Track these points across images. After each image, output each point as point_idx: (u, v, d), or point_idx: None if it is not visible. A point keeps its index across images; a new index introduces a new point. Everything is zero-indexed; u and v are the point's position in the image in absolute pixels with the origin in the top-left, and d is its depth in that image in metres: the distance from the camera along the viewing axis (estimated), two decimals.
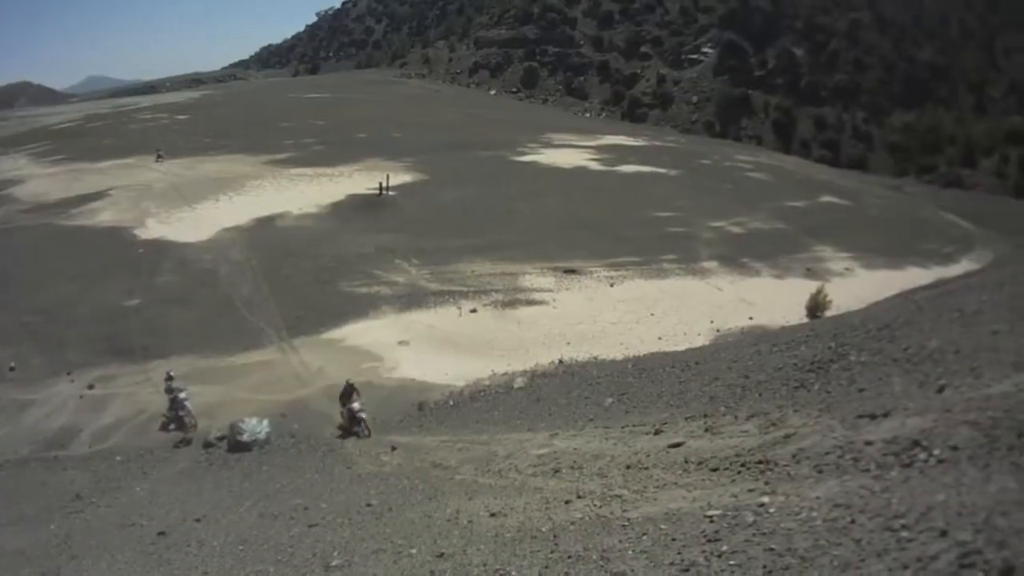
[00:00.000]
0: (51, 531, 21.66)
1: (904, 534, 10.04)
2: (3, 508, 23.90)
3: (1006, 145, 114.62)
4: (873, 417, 14.75)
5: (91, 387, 33.12)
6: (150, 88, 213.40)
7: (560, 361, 32.73)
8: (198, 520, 20.50)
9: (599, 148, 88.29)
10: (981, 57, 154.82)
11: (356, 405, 26.49)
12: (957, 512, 9.94)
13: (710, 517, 12.69)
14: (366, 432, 26.67)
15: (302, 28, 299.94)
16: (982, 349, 16.97)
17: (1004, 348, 16.41)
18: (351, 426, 27.09)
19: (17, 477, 26.72)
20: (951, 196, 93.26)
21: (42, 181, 70.97)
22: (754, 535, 11.63)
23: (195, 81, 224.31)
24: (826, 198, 70.30)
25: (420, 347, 35.91)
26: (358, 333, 37.76)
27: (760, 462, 14.65)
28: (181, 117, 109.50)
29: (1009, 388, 13.66)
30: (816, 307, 37.72)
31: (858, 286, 44.01)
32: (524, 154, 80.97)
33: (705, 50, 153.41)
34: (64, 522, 22.22)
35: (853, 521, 10.89)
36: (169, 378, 29.93)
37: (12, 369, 35.23)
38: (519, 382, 30.52)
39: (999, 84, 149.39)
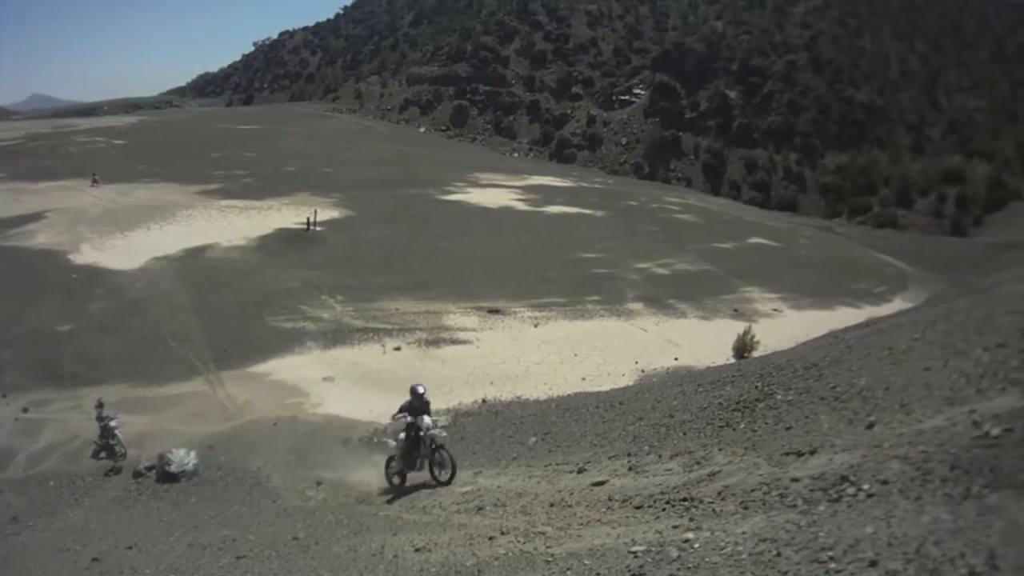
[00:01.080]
0: None
1: (832, 565, 10.25)
2: None
3: (944, 185, 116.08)
4: (800, 454, 15.09)
5: (25, 410, 33.15)
6: (91, 110, 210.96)
7: (484, 400, 32.86)
8: (130, 548, 20.59)
9: (526, 188, 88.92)
10: (921, 98, 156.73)
11: (428, 420, 22.57)
12: (887, 543, 10.27)
13: (634, 553, 12.80)
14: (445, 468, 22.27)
15: (239, 57, 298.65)
16: (913, 386, 17.12)
17: (936, 384, 16.53)
18: (432, 471, 22.43)
19: None
20: (884, 236, 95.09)
21: None
22: (679, 570, 11.79)
23: (133, 106, 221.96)
24: (755, 239, 71.31)
25: (345, 384, 35.95)
26: (284, 368, 37.78)
27: (685, 499, 14.85)
28: (118, 142, 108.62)
29: (941, 423, 14.02)
30: (743, 348, 37.98)
31: (786, 326, 44.56)
32: (451, 193, 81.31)
33: (637, 91, 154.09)
34: (3, 544, 22.39)
35: (779, 554, 11.08)
36: (100, 406, 29.86)
37: None
38: (443, 421, 29.40)
39: (939, 124, 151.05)
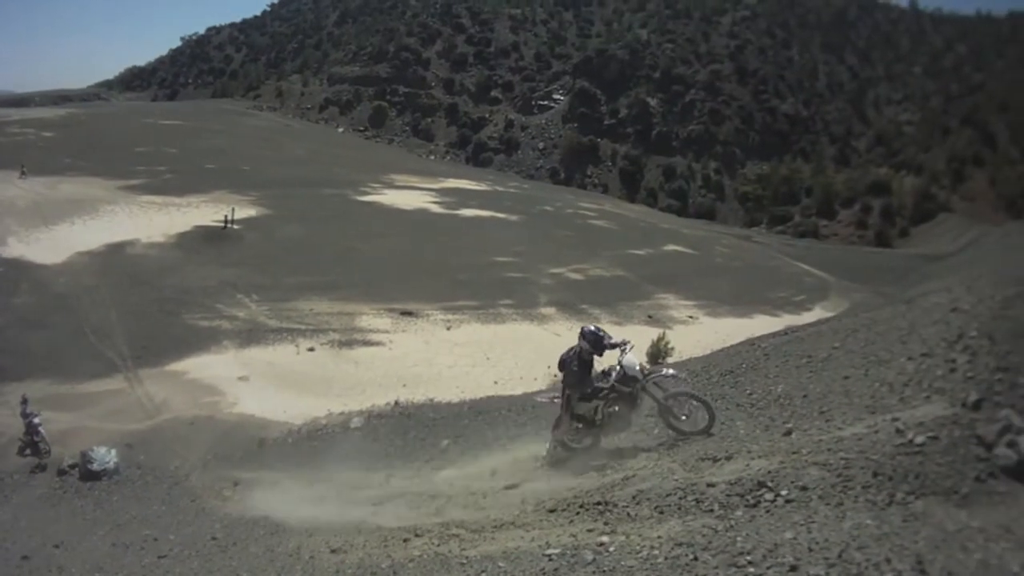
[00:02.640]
0: None
1: (751, 570, 10.40)
2: None
3: (869, 196, 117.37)
4: (716, 460, 14.86)
5: None
6: (21, 101, 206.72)
7: (396, 403, 32.42)
8: (56, 546, 20.76)
9: (442, 191, 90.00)
10: (848, 110, 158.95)
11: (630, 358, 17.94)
12: (808, 548, 10.45)
13: (549, 556, 12.73)
14: None
15: (166, 52, 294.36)
16: (833, 393, 16.68)
17: (857, 392, 16.08)
18: None
19: None
20: (805, 246, 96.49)
21: None
22: (594, 573, 11.78)
23: (63, 98, 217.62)
24: (671, 247, 72.57)
25: (259, 383, 36.08)
26: (200, 366, 37.87)
27: (599, 503, 14.49)
28: (46, 134, 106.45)
29: (863, 430, 13.87)
30: (657, 354, 37.89)
31: (702, 333, 45.18)
32: (367, 193, 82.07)
33: (556, 97, 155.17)
34: None
35: (696, 558, 11.12)
36: (24, 402, 29.84)
37: None
38: (356, 422, 30.16)
39: (866, 136, 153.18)
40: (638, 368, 17.68)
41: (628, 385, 17.48)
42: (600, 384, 17.69)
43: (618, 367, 17.54)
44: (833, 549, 10.25)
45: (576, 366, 17.70)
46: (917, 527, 10.58)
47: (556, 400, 18.86)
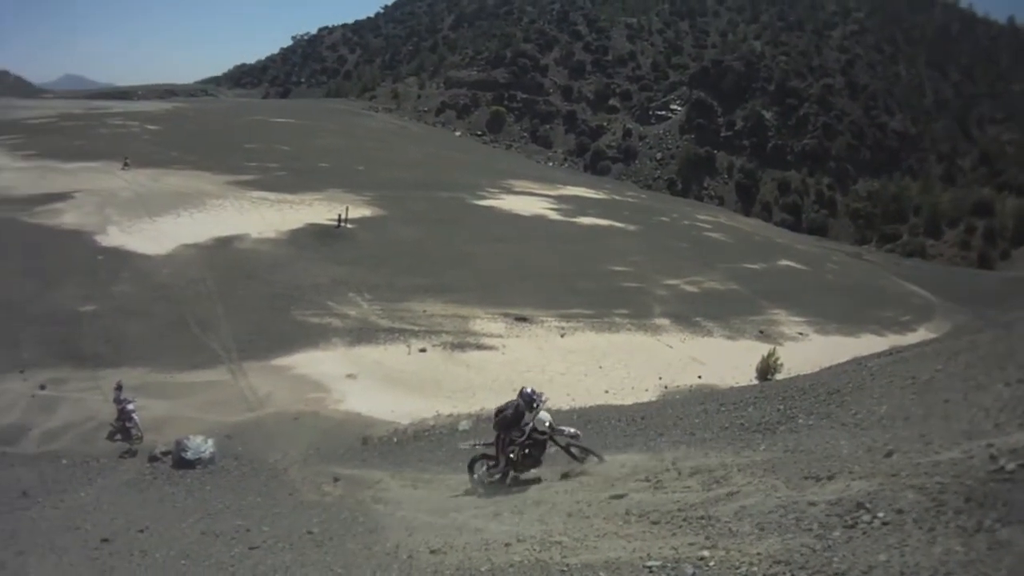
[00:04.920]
0: None
1: None
2: None
3: (972, 216, 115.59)
4: (818, 479, 14.65)
5: (43, 387, 33.24)
6: (124, 94, 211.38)
7: None
8: (141, 531, 20.48)
9: (559, 198, 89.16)
10: (953, 127, 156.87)
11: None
12: (899, 572, 10.18)
13: (649, 568, 12.46)
14: None
15: (276, 50, 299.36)
16: (933, 416, 17.08)
17: (956, 416, 16.46)
18: None
19: None
20: (912, 265, 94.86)
21: (11, 174, 71.34)
22: None
23: (168, 92, 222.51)
24: (784, 262, 71.38)
25: (367, 382, 35.95)
26: (307, 362, 37.80)
27: (702, 517, 14.29)
28: (151, 127, 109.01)
29: (958, 455, 13.66)
30: (767, 369, 37.95)
31: (811, 351, 44.29)
32: (484, 198, 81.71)
33: (674, 107, 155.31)
34: (10, 518, 22.11)
35: None
36: (119, 388, 29.81)
37: None
38: (464, 425, 30.16)
39: (970, 155, 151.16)
40: (547, 424, 21.15)
41: (541, 435, 21.27)
42: (523, 431, 21.27)
43: (533, 421, 21.24)
44: (922, 574, 10.05)
45: (511, 417, 21.33)
46: (1001, 555, 10.13)
47: (476, 446, 22.60)
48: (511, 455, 21.44)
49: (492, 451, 21.74)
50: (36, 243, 51.06)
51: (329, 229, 60.34)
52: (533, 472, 21.58)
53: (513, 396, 22.12)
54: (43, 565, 18.68)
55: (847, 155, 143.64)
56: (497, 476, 21.71)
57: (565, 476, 20.56)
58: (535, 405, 21.41)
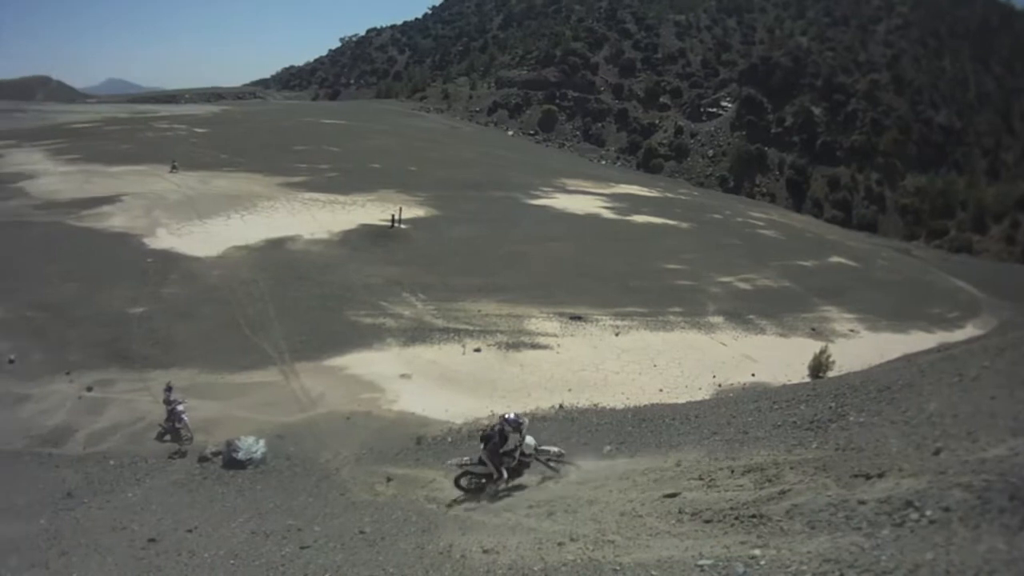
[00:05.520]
0: (41, 525, 21.70)
1: None
2: None
3: (1017, 211, 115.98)
4: (868, 477, 14.96)
5: (90, 389, 33.26)
6: (170, 97, 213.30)
7: (560, 406, 32.50)
8: (190, 531, 20.53)
9: (613, 196, 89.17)
10: (996, 121, 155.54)
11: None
12: (945, 570, 10.27)
13: (701, 567, 12.83)
14: None
15: (325, 52, 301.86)
16: (980, 414, 17.05)
17: (1002, 413, 16.51)
18: None
19: (8, 469, 26.69)
20: (959, 261, 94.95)
21: (55, 179, 71.80)
22: None
23: (215, 95, 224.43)
24: (835, 259, 71.00)
25: (421, 382, 35.82)
26: (360, 362, 37.66)
27: (754, 516, 14.77)
28: (199, 130, 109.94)
29: (1004, 452, 13.90)
30: (819, 367, 37.71)
31: (861, 347, 44.08)
32: (538, 197, 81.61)
33: (724, 104, 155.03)
34: (55, 518, 22.23)
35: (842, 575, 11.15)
36: (168, 389, 29.93)
37: (11, 362, 35.41)
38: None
39: (1013, 149, 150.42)
40: (533, 447, 23.43)
41: (527, 456, 23.35)
42: (510, 451, 23.18)
43: (520, 443, 23.32)
44: (967, 573, 10.27)
45: (497, 439, 23.20)
46: None
47: (463, 464, 23.53)
48: (505, 471, 23.22)
49: (477, 468, 23.40)
50: (83, 246, 51.33)
51: (382, 229, 60.30)
52: (518, 480, 23.10)
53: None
54: (87, 565, 18.71)
55: (894, 150, 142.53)
56: (501, 487, 23.03)
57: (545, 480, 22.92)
58: (521, 428, 23.40)
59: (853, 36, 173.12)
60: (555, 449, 24.26)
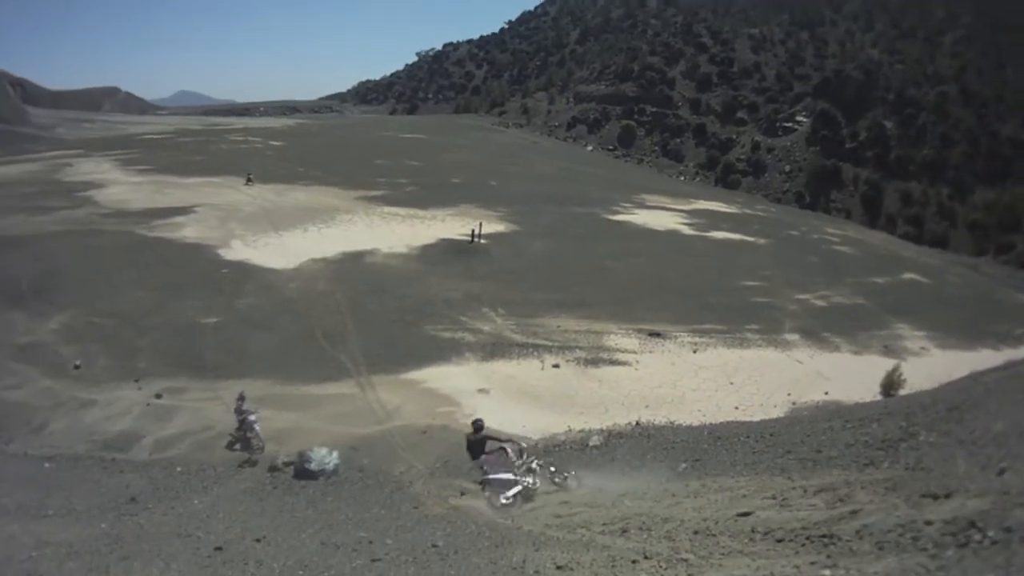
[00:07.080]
0: (102, 529, 21.60)
1: None
2: (53, 499, 23.90)
3: None
4: (936, 497, 14.77)
5: (159, 396, 33.54)
6: (244, 110, 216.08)
7: (637, 423, 32.35)
8: (258, 540, 20.43)
9: (692, 212, 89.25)
10: None
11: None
12: None
13: None
14: None
15: (401, 67, 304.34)
16: None
17: None
18: None
19: (70, 472, 26.88)
20: None
21: (125, 188, 73.62)
22: None
23: (290, 109, 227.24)
24: (908, 275, 70.40)
25: (499, 397, 35.71)
26: (438, 376, 37.60)
27: (824, 536, 14.73)
28: (275, 143, 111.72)
29: None
30: (891, 385, 37.58)
31: (932, 365, 43.38)
32: (618, 213, 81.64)
33: (799, 118, 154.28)
34: (116, 523, 22.16)
35: None
36: (241, 399, 29.97)
37: (77, 367, 35.80)
38: (595, 440, 30.15)
39: None
40: (536, 464, 25.00)
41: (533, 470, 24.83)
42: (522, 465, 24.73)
43: (529, 460, 25.18)
44: None
45: (503, 457, 24.73)
46: None
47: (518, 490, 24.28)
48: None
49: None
50: (155, 256, 51.98)
51: (462, 244, 60.37)
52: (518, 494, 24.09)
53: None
54: (149, 571, 18.55)
55: (964, 164, 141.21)
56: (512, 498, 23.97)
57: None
58: (519, 453, 25.62)
59: (921, 48, 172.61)
60: (552, 468, 25.88)
